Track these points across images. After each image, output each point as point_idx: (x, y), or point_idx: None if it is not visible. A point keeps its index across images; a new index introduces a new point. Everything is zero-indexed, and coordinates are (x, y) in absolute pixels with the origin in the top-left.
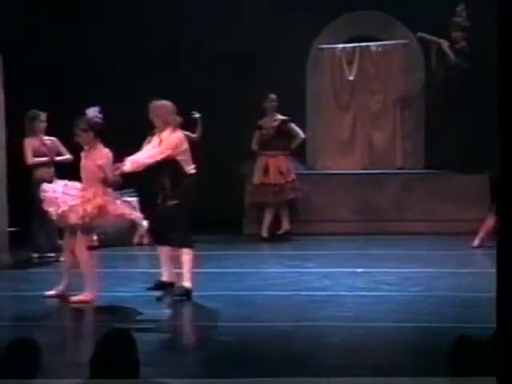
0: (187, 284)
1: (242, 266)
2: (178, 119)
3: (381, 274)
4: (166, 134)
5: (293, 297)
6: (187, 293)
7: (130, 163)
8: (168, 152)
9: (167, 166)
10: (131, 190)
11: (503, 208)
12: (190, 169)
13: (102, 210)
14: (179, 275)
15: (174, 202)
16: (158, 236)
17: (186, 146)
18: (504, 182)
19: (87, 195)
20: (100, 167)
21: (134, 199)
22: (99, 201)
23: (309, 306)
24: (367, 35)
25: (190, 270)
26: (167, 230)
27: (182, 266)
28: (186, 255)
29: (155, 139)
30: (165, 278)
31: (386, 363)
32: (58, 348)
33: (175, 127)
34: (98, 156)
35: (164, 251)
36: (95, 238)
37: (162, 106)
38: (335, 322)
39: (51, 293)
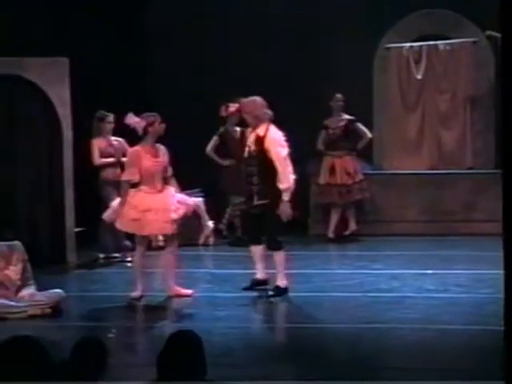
0: (282, 283)
1: (308, 267)
2: (269, 113)
3: (450, 275)
4: (261, 130)
5: (359, 298)
6: (284, 292)
7: (286, 186)
8: (286, 151)
9: (259, 162)
10: (197, 190)
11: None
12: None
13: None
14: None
15: (264, 201)
16: (249, 236)
17: None
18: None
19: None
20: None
21: (200, 199)
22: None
23: (376, 308)
24: (435, 34)
25: (283, 269)
26: (257, 230)
27: (275, 267)
28: (277, 256)
29: (251, 136)
30: (259, 275)
31: (454, 366)
32: (125, 348)
33: (269, 122)
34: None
35: (257, 250)
36: (160, 238)
37: (251, 101)
38: (403, 324)
39: (135, 294)
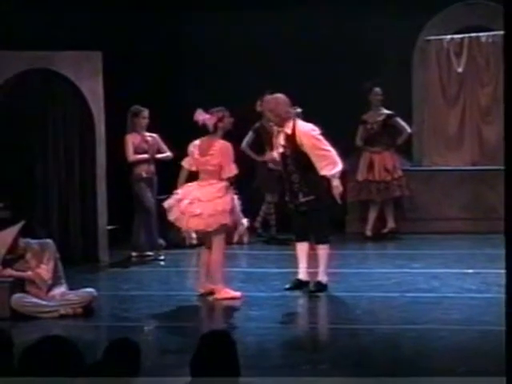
0: (323, 279)
1: (345, 266)
2: (294, 111)
3: (492, 275)
4: (288, 128)
5: (398, 299)
6: (324, 288)
7: (334, 171)
8: (321, 137)
9: (295, 160)
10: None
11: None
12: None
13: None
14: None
15: (310, 197)
16: (296, 233)
17: None
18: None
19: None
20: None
21: (234, 197)
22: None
23: (415, 309)
24: (477, 25)
25: (326, 266)
26: (303, 227)
27: (319, 262)
28: (322, 250)
29: (279, 136)
30: (301, 276)
31: (496, 369)
32: (158, 349)
33: (295, 119)
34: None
35: (302, 249)
36: (194, 235)
37: (273, 99)
38: (443, 325)
39: (202, 290)
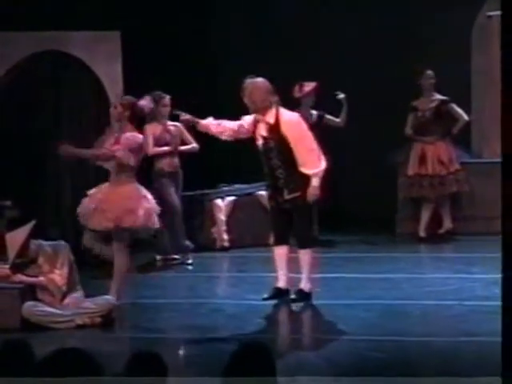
0: (306, 287)
1: (395, 271)
2: (274, 98)
3: None
4: (270, 117)
5: (456, 307)
6: (306, 297)
7: (316, 170)
8: (307, 131)
9: (279, 153)
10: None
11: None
12: None
13: None
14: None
15: (294, 194)
16: (277, 235)
17: None
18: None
19: None
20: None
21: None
22: None
23: (475, 319)
24: None
25: (310, 272)
26: (285, 228)
27: (302, 268)
28: (305, 255)
29: (260, 126)
30: (281, 283)
31: None
32: (184, 363)
33: (277, 107)
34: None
35: (281, 253)
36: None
37: (251, 84)
38: None
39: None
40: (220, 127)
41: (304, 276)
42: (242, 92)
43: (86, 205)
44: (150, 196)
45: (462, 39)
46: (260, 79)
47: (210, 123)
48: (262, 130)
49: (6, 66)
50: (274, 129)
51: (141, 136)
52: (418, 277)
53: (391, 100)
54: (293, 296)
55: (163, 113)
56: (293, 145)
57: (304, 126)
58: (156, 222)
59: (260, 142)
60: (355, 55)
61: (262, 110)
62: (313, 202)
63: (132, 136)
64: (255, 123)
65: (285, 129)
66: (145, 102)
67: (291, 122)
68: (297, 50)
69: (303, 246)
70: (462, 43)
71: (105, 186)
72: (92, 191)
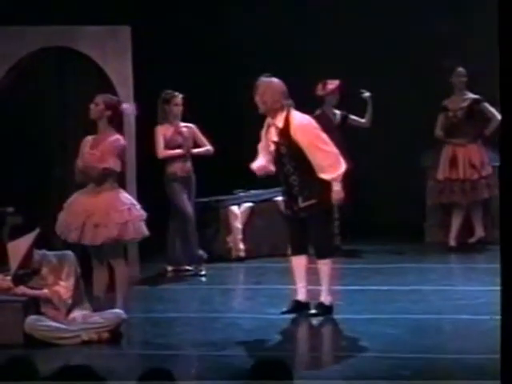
0: (327, 300)
1: (423, 283)
2: (288, 101)
3: None
4: (279, 121)
5: (487, 322)
6: (327, 311)
7: (336, 174)
8: (321, 133)
9: (292, 159)
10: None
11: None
12: None
13: None
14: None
15: (309, 202)
16: (293, 245)
17: None
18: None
19: None
20: None
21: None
22: None
23: None
24: None
25: (330, 284)
26: (302, 237)
27: (321, 280)
28: (324, 266)
29: (270, 131)
30: (300, 296)
31: None
32: (197, 380)
33: (289, 110)
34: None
35: (299, 263)
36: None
37: (264, 83)
38: None
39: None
40: (270, 162)
41: (324, 288)
42: (254, 90)
43: (69, 219)
44: (135, 202)
45: (495, 32)
46: (275, 79)
47: (266, 165)
48: (273, 135)
49: (9, 64)
50: (284, 133)
51: (122, 139)
52: (448, 289)
53: (420, 99)
54: (313, 310)
55: (175, 113)
56: (306, 150)
57: (316, 128)
58: (145, 231)
59: (272, 147)
60: (380, 52)
61: (272, 112)
62: (336, 208)
63: (116, 140)
64: (267, 128)
65: (295, 134)
66: (128, 106)
67: (301, 126)
68: (322, 47)
69: (322, 256)
70: (495, 37)
71: (84, 197)
72: (69, 202)
